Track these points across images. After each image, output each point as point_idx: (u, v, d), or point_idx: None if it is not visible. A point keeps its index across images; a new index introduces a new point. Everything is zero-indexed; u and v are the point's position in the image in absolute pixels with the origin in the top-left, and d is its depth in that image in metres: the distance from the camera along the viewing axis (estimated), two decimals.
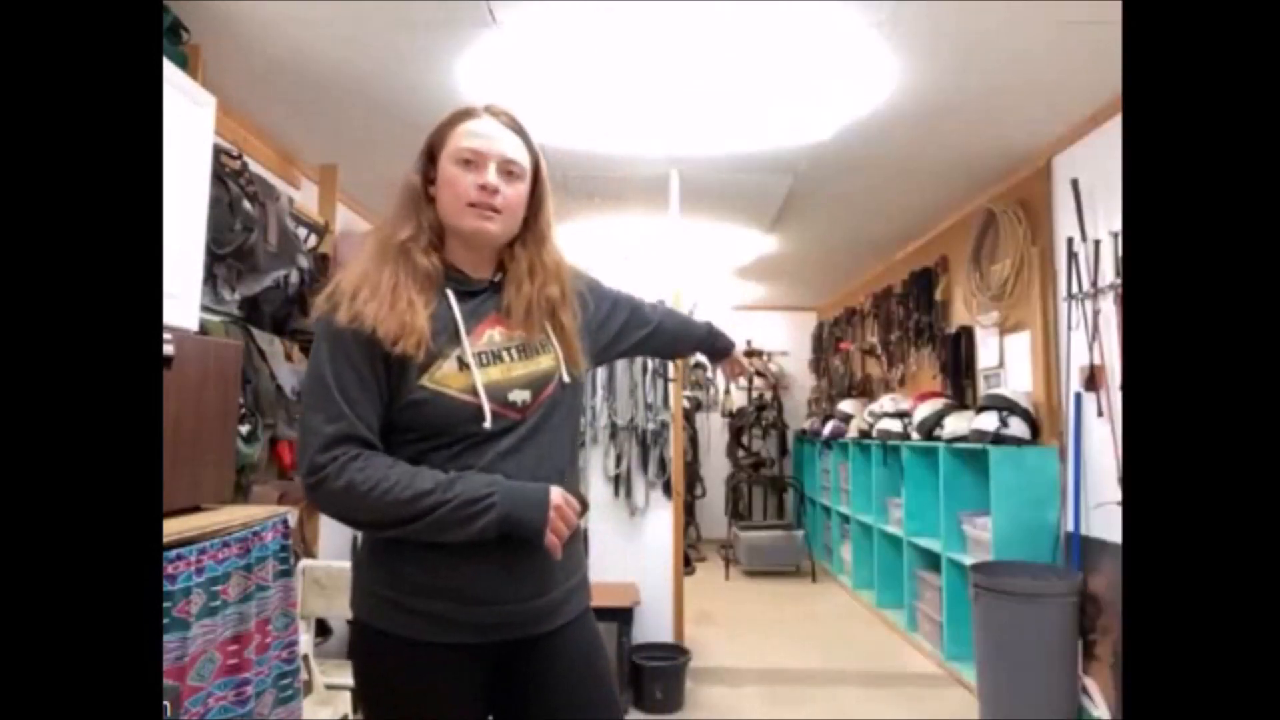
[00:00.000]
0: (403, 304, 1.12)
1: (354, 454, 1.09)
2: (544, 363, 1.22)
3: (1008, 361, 3.77)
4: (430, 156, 1.22)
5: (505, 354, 1.19)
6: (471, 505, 1.08)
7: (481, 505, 1.08)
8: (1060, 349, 3.28)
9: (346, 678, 2.50)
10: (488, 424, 1.13)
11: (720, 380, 1.91)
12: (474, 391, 1.14)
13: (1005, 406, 3.41)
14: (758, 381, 7.23)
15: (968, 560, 3.48)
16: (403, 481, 1.08)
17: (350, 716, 2.38)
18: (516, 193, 1.22)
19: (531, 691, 1.20)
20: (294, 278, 2.89)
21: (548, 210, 1.28)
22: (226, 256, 2.45)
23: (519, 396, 1.18)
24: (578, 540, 1.28)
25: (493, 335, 1.20)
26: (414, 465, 1.12)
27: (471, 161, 1.18)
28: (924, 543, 4.16)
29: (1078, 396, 3.10)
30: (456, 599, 1.13)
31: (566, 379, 1.23)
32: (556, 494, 1.13)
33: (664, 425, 3.71)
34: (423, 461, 1.13)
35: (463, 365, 1.15)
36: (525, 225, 1.26)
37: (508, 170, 1.20)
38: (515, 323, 1.22)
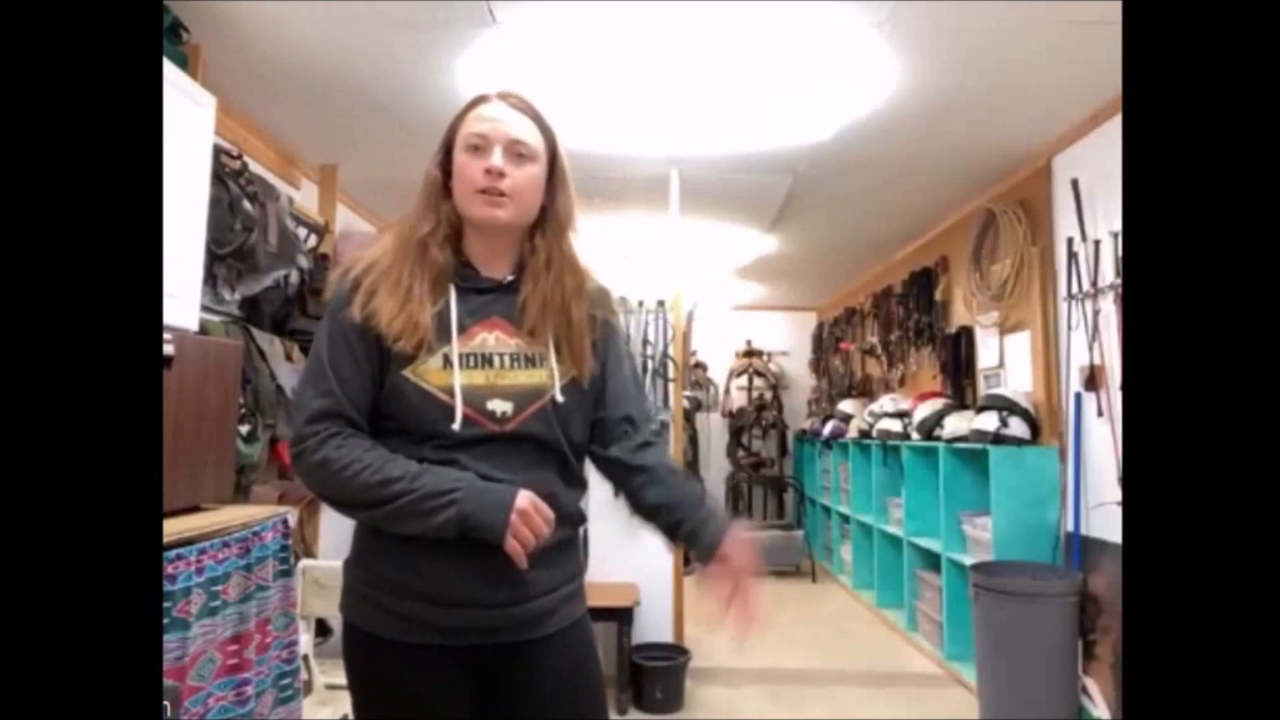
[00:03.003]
0: (414, 303, 1.12)
1: (335, 431, 1.10)
2: (536, 377, 1.17)
3: (1008, 361, 3.77)
4: (448, 149, 1.21)
5: (496, 359, 1.16)
6: (434, 499, 1.06)
7: (443, 500, 1.06)
8: (1060, 349, 3.28)
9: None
10: (456, 426, 1.11)
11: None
12: (450, 391, 1.12)
13: (1005, 406, 3.41)
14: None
15: (968, 560, 3.48)
16: (374, 465, 1.08)
17: (350, 717, 2.37)
18: (526, 175, 1.18)
19: (518, 700, 1.17)
20: (294, 278, 2.89)
21: (567, 196, 1.24)
22: (226, 256, 2.45)
23: (499, 407, 1.14)
24: (574, 547, 1.25)
25: (487, 338, 1.16)
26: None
27: (479, 147, 1.16)
28: (924, 543, 4.16)
29: (1078, 396, 3.10)
30: (428, 600, 1.12)
31: (560, 398, 1.17)
32: (524, 498, 1.09)
33: (664, 425, 3.71)
34: (397, 452, 1.12)
35: (447, 363, 1.13)
36: (544, 213, 1.22)
37: (516, 152, 1.17)
38: (522, 327, 1.18)
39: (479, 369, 1.15)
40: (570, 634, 1.21)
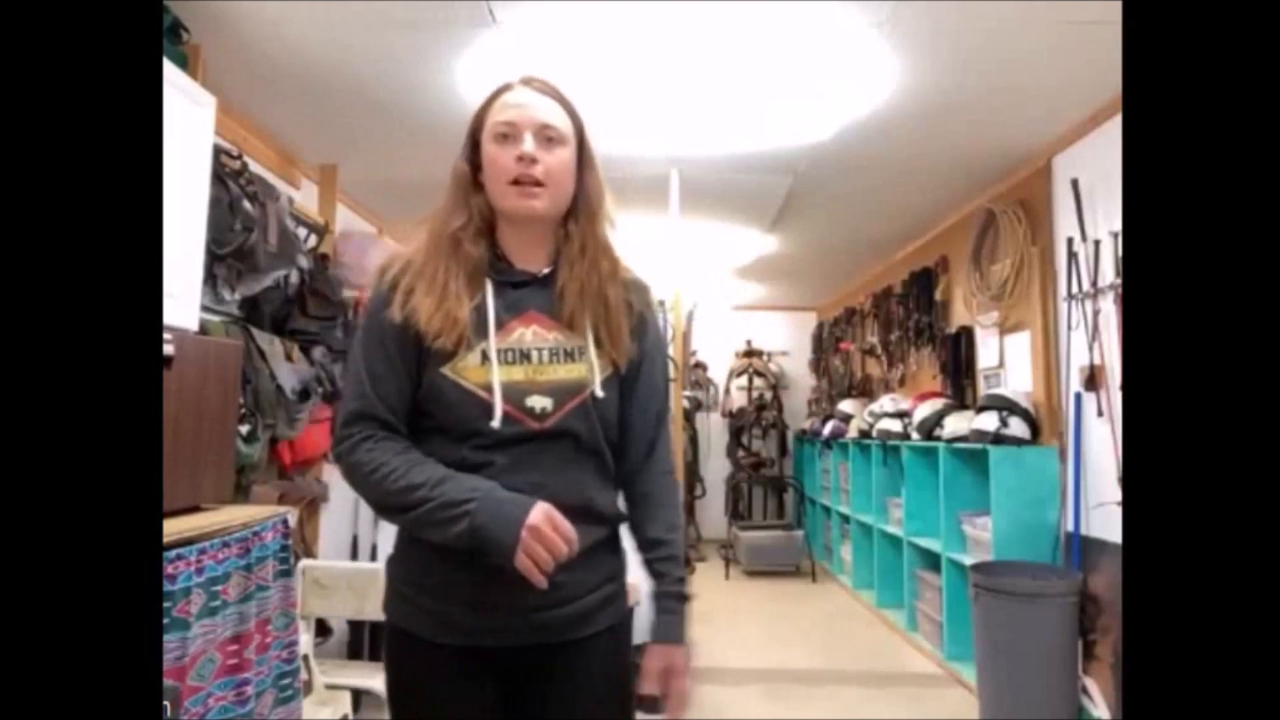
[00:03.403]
0: (451, 300, 1.11)
1: (367, 434, 1.11)
2: (576, 371, 1.15)
3: (1008, 361, 3.77)
4: (475, 141, 1.19)
5: (535, 354, 1.14)
6: (449, 509, 1.04)
7: (457, 511, 1.04)
8: (1060, 349, 3.28)
9: (346, 678, 2.51)
10: (496, 423, 1.09)
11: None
12: (489, 388, 1.11)
13: (1005, 406, 3.41)
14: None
15: (968, 560, 3.48)
16: (399, 470, 1.07)
17: (350, 716, 2.37)
18: (559, 160, 1.16)
19: (551, 701, 1.16)
20: (294, 278, 2.89)
21: (596, 178, 1.23)
22: (226, 256, 2.45)
23: (539, 403, 1.11)
24: (612, 546, 1.22)
25: (524, 333, 1.14)
26: (427, 456, 1.11)
27: (508, 135, 1.14)
28: (924, 543, 4.16)
29: (1078, 396, 3.10)
30: (459, 602, 1.11)
31: (600, 393, 1.15)
32: (539, 514, 1.04)
33: None
34: (436, 453, 1.11)
35: (485, 359, 1.12)
36: (575, 197, 1.20)
37: (546, 137, 1.15)
38: (561, 316, 1.16)
39: (518, 364, 1.13)
40: (607, 638, 1.18)
